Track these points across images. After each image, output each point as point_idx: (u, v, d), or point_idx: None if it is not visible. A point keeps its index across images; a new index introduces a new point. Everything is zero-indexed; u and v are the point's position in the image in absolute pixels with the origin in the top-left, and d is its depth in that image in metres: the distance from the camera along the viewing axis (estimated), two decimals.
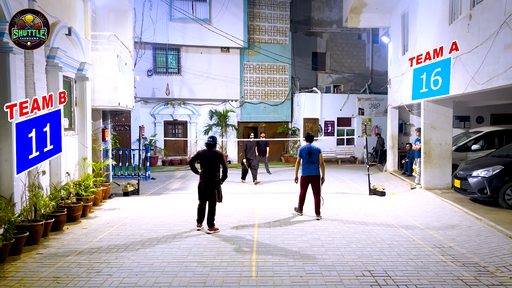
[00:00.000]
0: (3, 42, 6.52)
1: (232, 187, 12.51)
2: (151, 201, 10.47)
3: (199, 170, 7.48)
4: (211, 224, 7.35)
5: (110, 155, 12.76)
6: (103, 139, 12.20)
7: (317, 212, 8.37)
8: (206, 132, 19.48)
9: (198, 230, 7.42)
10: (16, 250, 5.95)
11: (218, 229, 7.37)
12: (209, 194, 7.31)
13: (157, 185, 13.13)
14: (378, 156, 18.83)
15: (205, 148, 7.54)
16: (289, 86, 20.49)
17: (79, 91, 9.98)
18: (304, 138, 8.75)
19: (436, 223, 7.99)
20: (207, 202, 7.40)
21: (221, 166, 7.42)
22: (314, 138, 8.93)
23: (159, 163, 18.82)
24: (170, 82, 18.95)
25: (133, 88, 14.33)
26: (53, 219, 7.12)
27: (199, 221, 7.51)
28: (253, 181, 13.18)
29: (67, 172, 9.07)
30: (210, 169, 7.30)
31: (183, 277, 5.19)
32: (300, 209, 8.69)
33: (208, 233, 7.22)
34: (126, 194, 11.06)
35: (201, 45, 18.79)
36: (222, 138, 19.56)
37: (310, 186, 8.41)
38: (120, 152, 14.56)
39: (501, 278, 5.16)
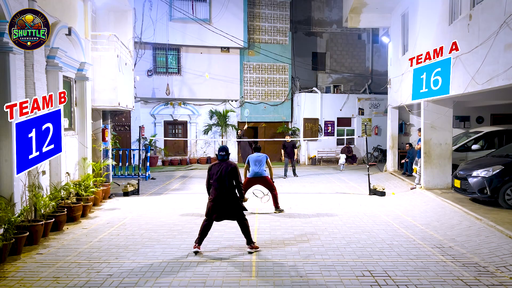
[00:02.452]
0: (3, 42, 6.52)
1: None
2: (151, 201, 10.47)
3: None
4: (249, 241, 6.26)
5: (110, 155, 12.75)
6: (103, 139, 12.20)
7: (276, 206, 9.02)
8: (206, 132, 19.49)
9: (195, 252, 6.09)
10: (16, 250, 5.95)
11: (258, 248, 6.30)
12: (229, 213, 6.21)
13: (157, 185, 13.13)
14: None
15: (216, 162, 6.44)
16: (289, 86, 20.48)
17: (79, 91, 9.98)
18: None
19: (436, 223, 7.99)
20: (237, 222, 6.30)
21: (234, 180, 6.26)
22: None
23: (159, 163, 18.82)
24: (170, 82, 18.94)
25: (133, 88, 14.33)
26: (53, 219, 7.12)
27: (199, 241, 6.20)
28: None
29: (67, 172, 9.07)
30: (224, 184, 6.16)
31: (183, 277, 5.19)
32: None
33: (250, 252, 6.11)
34: (126, 194, 11.06)
35: (201, 45, 18.78)
36: (222, 138, 19.57)
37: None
38: (120, 152, 14.57)
39: (501, 278, 5.16)
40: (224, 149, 6.39)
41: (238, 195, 6.31)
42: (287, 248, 6.37)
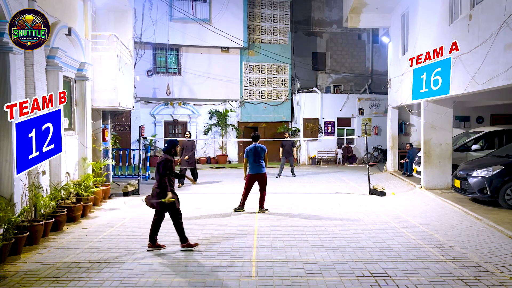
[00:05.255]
0: (3, 42, 6.52)
1: (231, 186, 12.51)
2: None
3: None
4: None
5: (110, 155, 12.75)
6: (103, 139, 12.20)
7: (261, 206, 8.99)
8: (206, 132, 19.48)
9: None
10: (16, 250, 5.95)
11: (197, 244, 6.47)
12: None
13: None
14: None
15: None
16: (289, 86, 20.48)
17: (79, 91, 9.97)
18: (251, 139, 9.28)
19: (436, 223, 7.99)
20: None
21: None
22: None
23: None
24: (170, 82, 18.95)
25: (133, 88, 14.32)
26: (53, 219, 7.12)
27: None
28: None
29: (67, 172, 9.07)
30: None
31: (183, 277, 5.19)
32: (242, 205, 9.04)
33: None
34: (126, 194, 11.06)
35: (201, 45, 18.79)
36: (222, 138, 19.57)
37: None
38: (120, 152, 14.56)
39: (501, 278, 5.16)
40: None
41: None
42: (287, 248, 6.37)
